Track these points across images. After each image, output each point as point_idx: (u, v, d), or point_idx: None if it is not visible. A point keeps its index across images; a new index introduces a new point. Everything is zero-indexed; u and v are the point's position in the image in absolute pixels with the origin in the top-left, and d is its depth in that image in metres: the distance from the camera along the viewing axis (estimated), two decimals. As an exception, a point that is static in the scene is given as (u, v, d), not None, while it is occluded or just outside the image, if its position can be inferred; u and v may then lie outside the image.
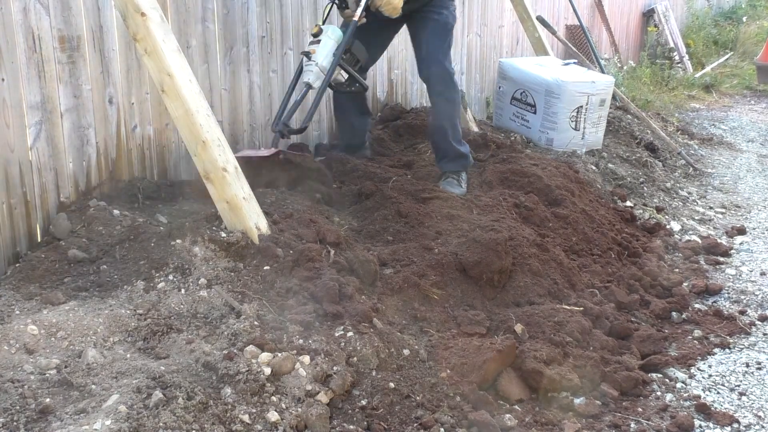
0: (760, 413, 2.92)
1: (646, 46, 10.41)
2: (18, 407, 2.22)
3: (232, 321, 2.75)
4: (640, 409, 2.89)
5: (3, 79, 3.02)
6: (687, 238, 4.81)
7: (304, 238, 3.25)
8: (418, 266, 3.34)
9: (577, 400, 2.87)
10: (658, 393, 3.04)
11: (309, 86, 3.95)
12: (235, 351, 2.54)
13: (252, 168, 3.64)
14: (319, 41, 3.94)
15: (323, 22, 4.14)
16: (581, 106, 5.60)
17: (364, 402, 2.57)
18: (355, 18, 3.98)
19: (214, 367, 2.49)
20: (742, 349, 3.43)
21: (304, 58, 3.97)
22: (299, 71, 4.07)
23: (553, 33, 7.29)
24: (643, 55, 9.83)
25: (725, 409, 2.94)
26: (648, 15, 10.92)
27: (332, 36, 3.96)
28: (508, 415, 2.69)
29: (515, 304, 3.39)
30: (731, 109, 9.00)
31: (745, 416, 2.89)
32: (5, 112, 3.04)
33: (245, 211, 3.15)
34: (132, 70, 3.66)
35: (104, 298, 2.87)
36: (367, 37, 4.12)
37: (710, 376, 3.20)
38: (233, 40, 4.27)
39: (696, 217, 5.25)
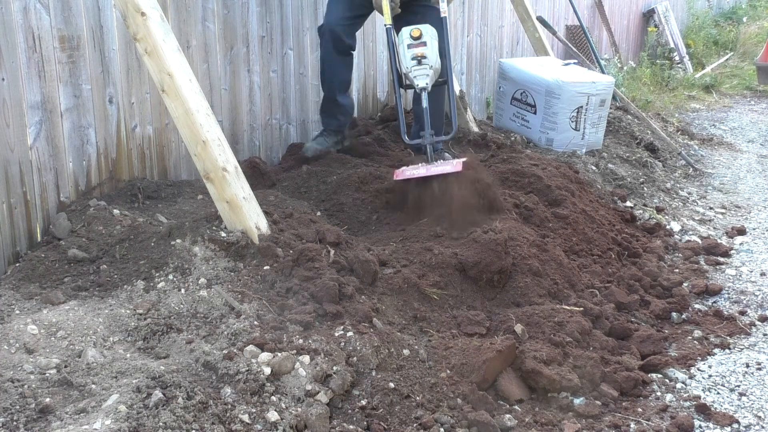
0: (760, 413, 2.92)
1: (647, 47, 10.41)
2: (18, 407, 2.23)
3: (232, 321, 2.75)
4: (640, 410, 2.88)
5: (3, 79, 3.02)
6: (687, 238, 4.81)
7: (304, 237, 3.25)
8: (418, 266, 3.34)
9: (577, 401, 2.87)
10: (658, 393, 3.03)
11: (424, 90, 3.91)
12: (235, 351, 2.54)
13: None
14: (424, 43, 3.92)
15: (392, 21, 4.11)
16: (581, 107, 5.59)
17: (363, 402, 2.57)
18: (444, 14, 4.08)
19: (214, 367, 2.49)
20: (742, 349, 3.43)
21: (413, 63, 3.91)
22: (397, 74, 4.03)
23: (554, 33, 7.29)
24: (643, 55, 9.83)
25: (725, 409, 2.94)
26: (648, 15, 10.93)
27: (433, 36, 3.98)
28: (508, 416, 2.69)
29: (515, 304, 3.39)
30: (731, 110, 8.99)
31: (745, 416, 2.89)
32: (5, 112, 3.04)
33: (245, 210, 3.15)
34: (132, 69, 3.66)
35: (104, 297, 2.87)
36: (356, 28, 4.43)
37: (710, 376, 3.19)
38: (233, 40, 4.27)
39: (696, 218, 5.25)
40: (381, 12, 4.23)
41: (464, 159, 3.74)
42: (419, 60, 3.90)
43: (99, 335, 2.62)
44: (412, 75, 3.96)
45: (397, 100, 4.08)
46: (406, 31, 4.02)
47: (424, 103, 3.92)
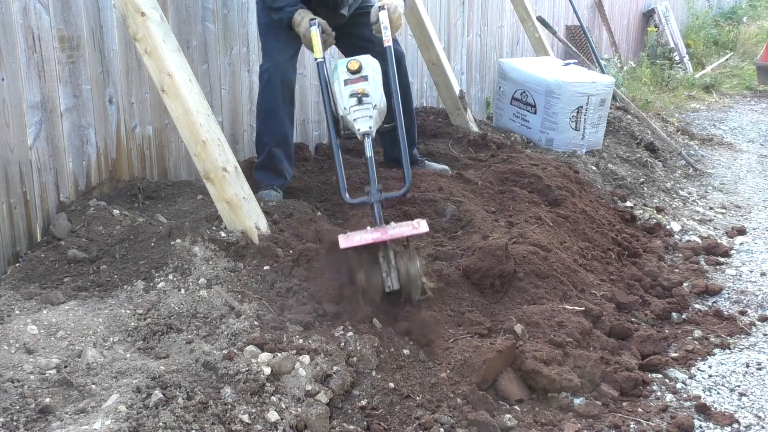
0: (760, 413, 2.92)
1: (646, 47, 10.41)
2: (18, 407, 2.22)
3: (232, 321, 2.75)
4: (640, 410, 2.88)
5: (3, 79, 3.02)
6: (687, 238, 4.81)
7: (304, 237, 3.25)
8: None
9: (577, 401, 2.87)
10: (658, 393, 3.03)
11: (368, 136, 3.20)
12: (234, 351, 2.54)
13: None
14: (365, 77, 3.26)
15: (323, 50, 3.49)
16: (581, 107, 5.60)
17: (363, 402, 2.57)
18: (388, 43, 3.46)
19: (213, 367, 2.49)
20: (743, 349, 3.43)
21: (352, 101, 3.21)
22: (333, 118, 3.34)
23: (554, 33, 7.29)
24: (643, 55, 9.83)
25: (725, 409, 2.94)
26: (648, 15, 10.93)
27: (376, 69, 3.33)
28: (508, 416, 2.69)
29: (516, 304, 3.38)
30: (731, 110, 8.99)
31: (745, 417, 2.89)
32: (5, 112, 3.04)
33: (245, 210, 3.15)
34: (132, 70, 3.66)
35: (104, 297, 2.87)
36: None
37: (710, 376, 3.19)
38: (233, 40, 4.27)
39: (696, 218, 5.25)
40: (309, 47, 3.54)
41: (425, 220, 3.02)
42: (359, 98, 3.19)
43: (99, 335, 2.62)
44: (351, 117, 3.22)
45: (335, 150, 3.29)
46: (341, 64, 3.31)
47: (368, 152, 3.19)
